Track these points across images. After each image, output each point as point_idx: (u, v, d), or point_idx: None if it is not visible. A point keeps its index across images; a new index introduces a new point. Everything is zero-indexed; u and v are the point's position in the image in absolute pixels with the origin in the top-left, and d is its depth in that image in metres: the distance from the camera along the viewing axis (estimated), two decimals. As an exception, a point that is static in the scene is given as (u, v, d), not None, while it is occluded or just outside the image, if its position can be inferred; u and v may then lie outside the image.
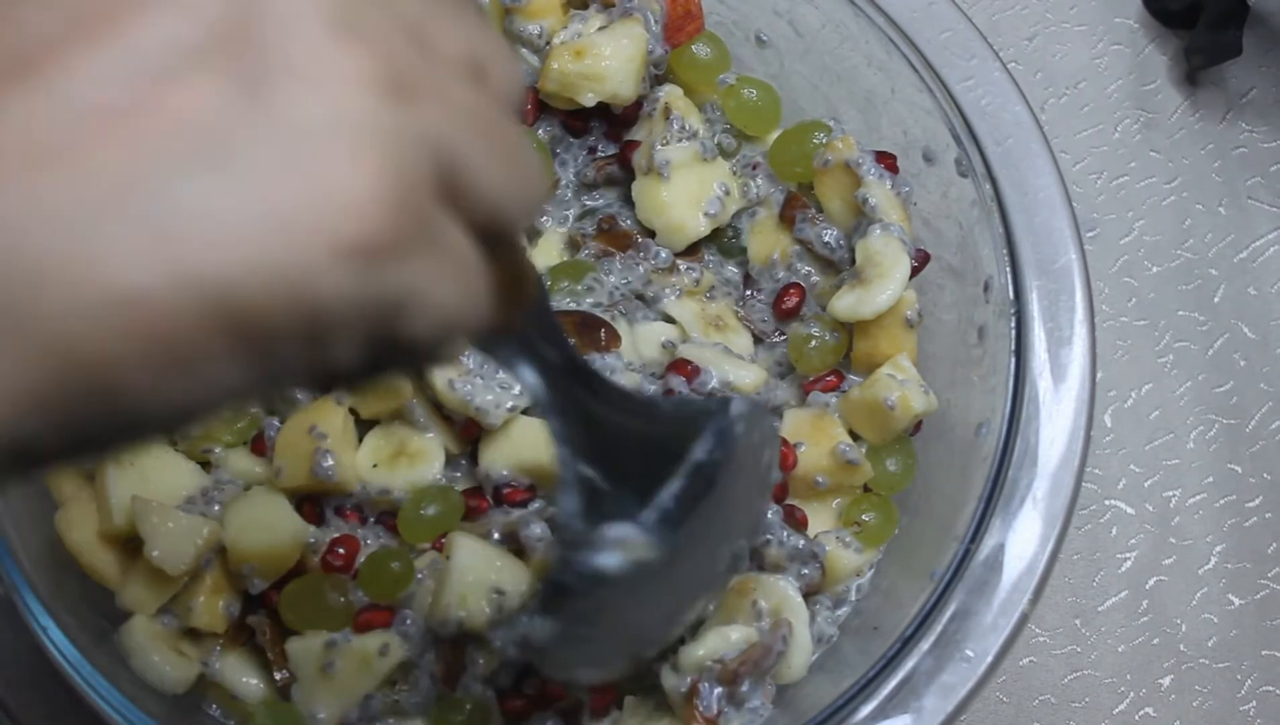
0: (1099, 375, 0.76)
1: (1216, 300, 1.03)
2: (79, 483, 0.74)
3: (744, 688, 0.71)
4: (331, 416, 0.73)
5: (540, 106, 0.86)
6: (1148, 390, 1.00)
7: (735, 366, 0.80)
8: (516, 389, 0.75)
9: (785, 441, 0.76)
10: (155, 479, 0.73)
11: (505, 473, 0.75)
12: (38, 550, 0.72)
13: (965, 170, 0.80)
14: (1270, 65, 1.09)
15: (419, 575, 0.71)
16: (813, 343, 0.81)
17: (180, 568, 0.70)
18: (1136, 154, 1.07)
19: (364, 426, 0.77)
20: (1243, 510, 0.97)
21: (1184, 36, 1.09)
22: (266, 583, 0.72)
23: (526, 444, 0.75)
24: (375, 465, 0.74)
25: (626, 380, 0.76)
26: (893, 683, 0.69)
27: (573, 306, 0.80)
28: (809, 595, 0.76)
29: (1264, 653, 0.94)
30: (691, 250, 0.85)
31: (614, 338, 0.78)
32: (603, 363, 0.77)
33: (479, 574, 0.70)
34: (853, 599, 0.79)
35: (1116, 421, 0.99)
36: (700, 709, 0.70)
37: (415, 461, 0.74)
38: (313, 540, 0.72)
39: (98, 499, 0.72)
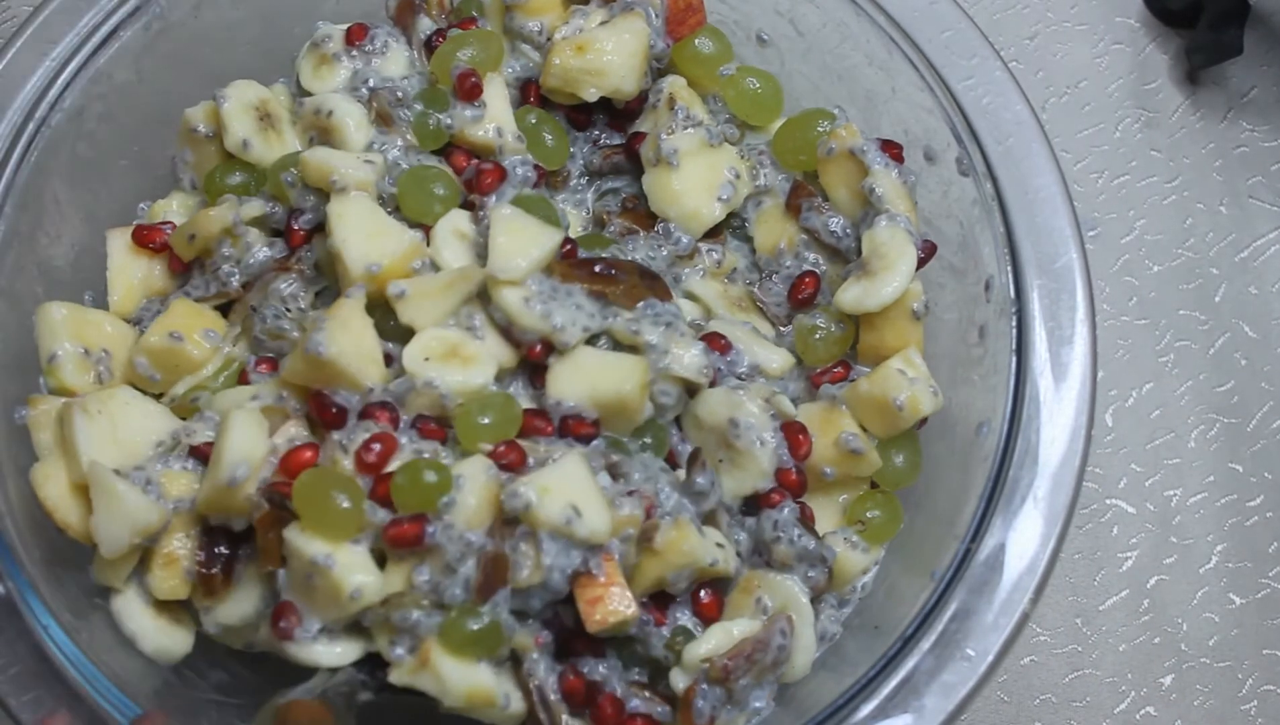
0: (1100, 374, 0.76)
1: (1217, 299, 1.03)
2: (59, 435, 0.73)
3: (742, 683, 0.71)
4: (336, 307, 0.72)
5: (542, 101, 0.86)
6: (1149, 389, 1.00)
7: (765, 348, 0.80)
8: (590, 309, 0.74)
9: (803, 427, 0.76)
10: (124, 426, 0.72)
11: (573, 403, 0.74)
12: (38, 550, 0.72)
13: (966, 169, 0.80)
14: (1271, 65, 1.10)
15: (458, 479, 0.69)
16: (818, 334, 0.81)
17: (114, 551, 0.69)
18: (1137, 153, 1.07)
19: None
20: (1244, 509, 0.97)
21: (1185, 36, 1.10)
22: (246, 522, 0.71)
23: (601, 374, 0.74)
24: (427, 359, 0.72)
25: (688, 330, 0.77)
26: (894, 682, 0.69)
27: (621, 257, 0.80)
28: (815, 596, 0.76)
29: (1265, 652, 0.94)
30: (713, 232, 0.85)
31: (667, 291, 0.78)
32: (661, 309, 0.76)
33: (572, 485, 0.69)
34: (857, 597, 0.79)
35: (1117, 421, 0.99)
36: (694, 717, 0.70)
37: (468, 364, 0.73)
38: (342, 440, 0.70)
39: (66, 447, 0.71)
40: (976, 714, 0.92)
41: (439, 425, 0.72)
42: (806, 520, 0.76)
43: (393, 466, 0.69)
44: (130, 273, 0.81)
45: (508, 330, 0.74)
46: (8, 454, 0.73)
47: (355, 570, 0.67)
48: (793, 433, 0.76)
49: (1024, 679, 0.92)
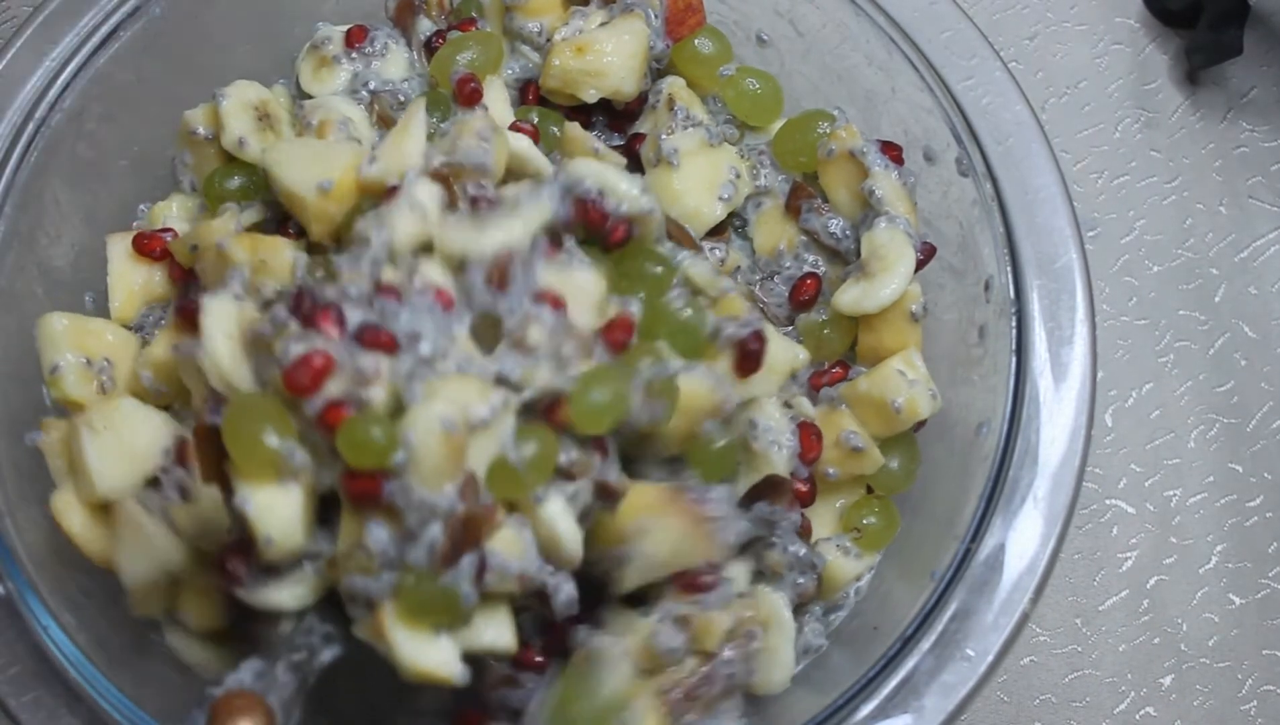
0: (1100, 374, 0.76)
1: (1217, 300, 1.03)
2: (68, 455, 0.72)
3: (687, 719, 0.69)
4: None
5: (541, 102, 0.86)
6: (1148, 390, 1.00)
7: (788, 345, 0.80)
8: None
9: (818, 430, 0.76)
10: (131, 438, 0.72)
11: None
12: (38, 550, 0.72)
13: (966, 169, 0.80)
14: (1271, 65, 1.09)
15: (406, 437, 0.60)
16: (827, 330, 0.81)
17: (138, 583, 0.69)
18: (1137, 153, 1.07)
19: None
20: (1243, 510, 0.97)
21: (1185, 36, 1.09)
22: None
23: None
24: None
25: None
26: (893, 682, 0.69)
27: None
28: (801, 605, 0.76)
29: (1265, 652, 0.94)
30: (716, 230, 0.85)
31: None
32: (713, 264, 0.76)
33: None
34: (850, 603, 0.79)
35: (1117, 421, 0.99)
36: None
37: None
38: (281, 353, 0.61)
39: (76, 468, 0.72)
40: (976, 714, 0.92)
41: (389, 333, 0.62)
42: (803, 531, 0.75)
43: (332, 388, 0.60)
44: (131, 279, 0.80)
45: (591, 208, 0.68)
46: (7, 454, 0.73)
47: (269, 516, 0.61)
48: (807, 434, 0.75)
49: (1024, 679, 0.92)
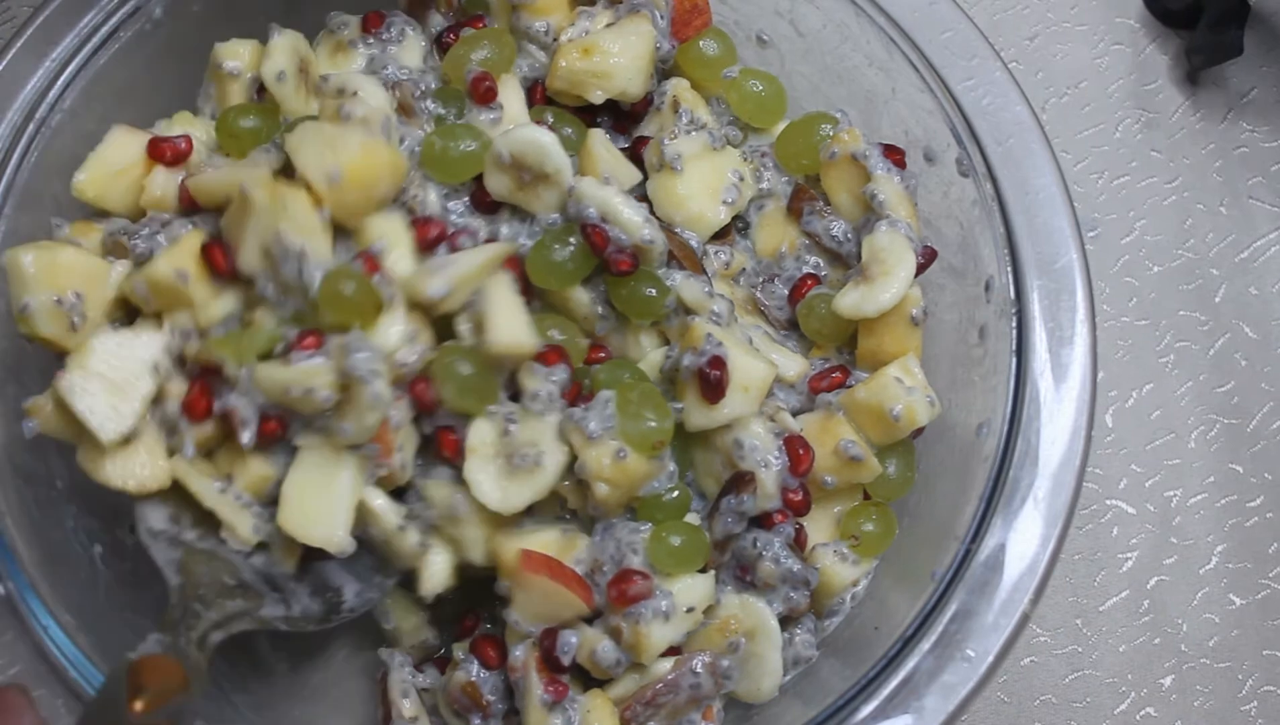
0: (1100, 375, 0.76)
1: (1217, 300, 1.03)
2: (64, 414, 0.70)
3: None
4: None
5: (548, 103, 0.85)
6: (1149, 390, 1.00)
7: (782, 355, 0.80)
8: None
9: (804, 441, 0.76)
10: (116, 370, 0.70)
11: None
12: (38, 550, 0.72)
13: (966, 170, 0.80)
14: (1271, 65, 1.09)
15: None
16: (822, 307, 0.81)
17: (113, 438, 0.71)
18: (1137, 154, 1.07)
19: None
20: (1244, 510, 0.97)
21: (1185, 36, 1.09)
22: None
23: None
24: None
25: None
26: (893, 683, 0.69)
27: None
28: (792, 618, 0.76)
29: (1265, 652, 0.94)
30: (720, 233, 0.84)
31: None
32: (714, 288, 0.79)
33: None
34: (845, 608, 0.79)
35: (1117, 421, 0.99)
36: None
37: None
38: None
39: (79, 429, 0.70)
40: (977, 714, 0.92)
41: None
42: (798, 543, 0.75)
43: None
44: (111, 163, 0.78)
45: (593, 232, 0.75)
46: (6, 454, 0.73)
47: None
48: (794, 447, 0.75)
49: (1024, 679, 0.92)
